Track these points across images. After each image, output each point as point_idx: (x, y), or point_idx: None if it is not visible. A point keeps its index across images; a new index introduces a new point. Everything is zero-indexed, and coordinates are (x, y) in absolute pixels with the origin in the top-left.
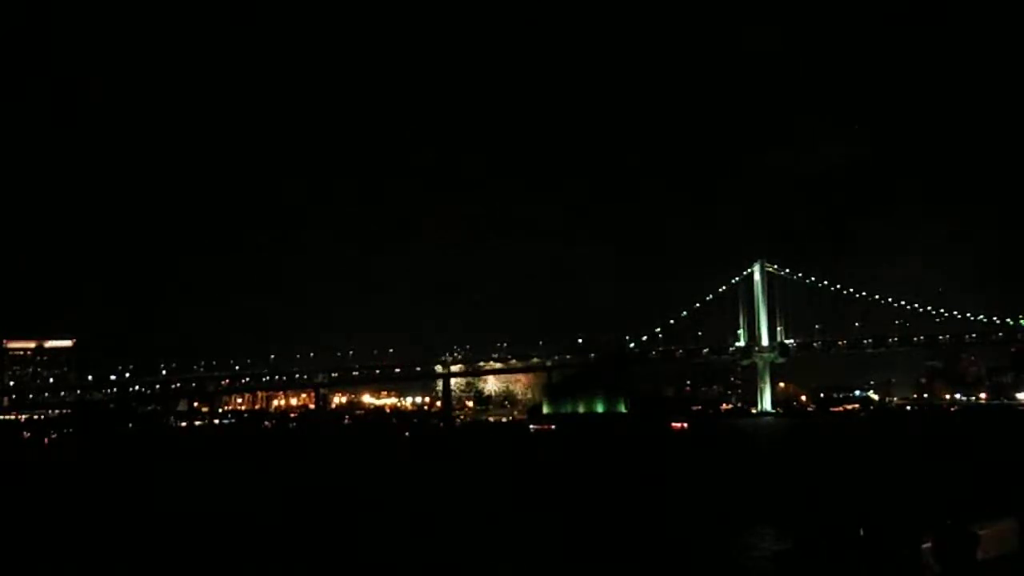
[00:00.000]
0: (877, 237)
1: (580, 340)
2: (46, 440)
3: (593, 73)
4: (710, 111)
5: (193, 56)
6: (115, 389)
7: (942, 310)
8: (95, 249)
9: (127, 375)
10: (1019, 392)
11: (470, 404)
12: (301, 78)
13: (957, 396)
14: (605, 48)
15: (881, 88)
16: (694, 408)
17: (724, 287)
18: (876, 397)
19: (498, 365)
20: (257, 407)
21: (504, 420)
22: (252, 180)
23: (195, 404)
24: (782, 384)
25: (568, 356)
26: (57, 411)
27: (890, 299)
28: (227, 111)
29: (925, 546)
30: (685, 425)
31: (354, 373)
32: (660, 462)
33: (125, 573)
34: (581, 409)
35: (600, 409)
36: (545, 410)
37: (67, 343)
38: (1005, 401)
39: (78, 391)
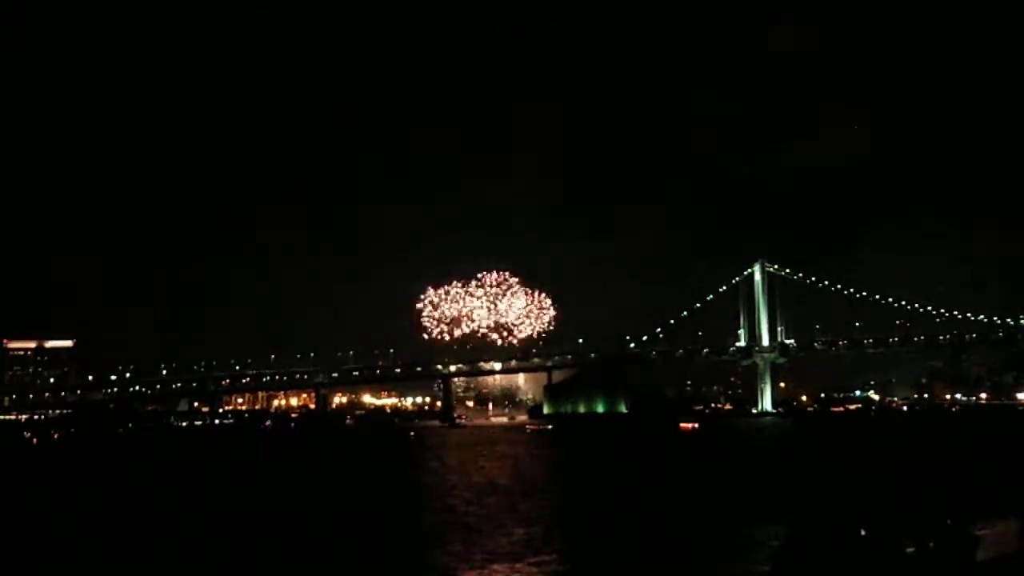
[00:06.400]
0: (878, 237)
1: (580, 340)
2: (34, 439)
3: (591, 73)
4: (711, 111)
5: (194, 56)
6: (115, 389)
7: (942, 310)
8: (95, 249)
9: (127, 375)
10: (1019, 392)
11: (470, 404)
12: (302, 79)
13: (957, 396)
14: (605, 46)
15: (882, 89)
16: (695, 408)
17: (724, 287)
18: (877, 397)
19: (498, 365)
20: (257, 407)
21: (505, 420)
22: (252, 181)
23: (195, 404)
24: (783, 384)
25: (568, 356)
26: (57, 411)
27: (890, 299)
28: (227, 111)
29: (909, 551)
30: (695, 426)
31: (354, 373)
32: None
33: None
34: (581, 409)
35: (600, 409)
36: (546, 410)
37: (67, 343)
38: (1005, 401)
39: (78, 391)
